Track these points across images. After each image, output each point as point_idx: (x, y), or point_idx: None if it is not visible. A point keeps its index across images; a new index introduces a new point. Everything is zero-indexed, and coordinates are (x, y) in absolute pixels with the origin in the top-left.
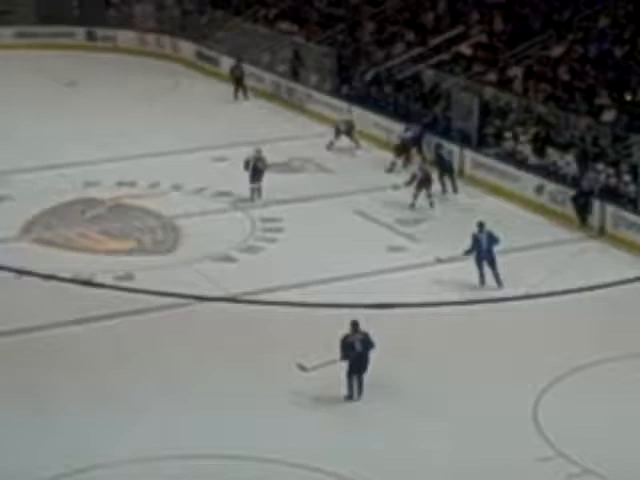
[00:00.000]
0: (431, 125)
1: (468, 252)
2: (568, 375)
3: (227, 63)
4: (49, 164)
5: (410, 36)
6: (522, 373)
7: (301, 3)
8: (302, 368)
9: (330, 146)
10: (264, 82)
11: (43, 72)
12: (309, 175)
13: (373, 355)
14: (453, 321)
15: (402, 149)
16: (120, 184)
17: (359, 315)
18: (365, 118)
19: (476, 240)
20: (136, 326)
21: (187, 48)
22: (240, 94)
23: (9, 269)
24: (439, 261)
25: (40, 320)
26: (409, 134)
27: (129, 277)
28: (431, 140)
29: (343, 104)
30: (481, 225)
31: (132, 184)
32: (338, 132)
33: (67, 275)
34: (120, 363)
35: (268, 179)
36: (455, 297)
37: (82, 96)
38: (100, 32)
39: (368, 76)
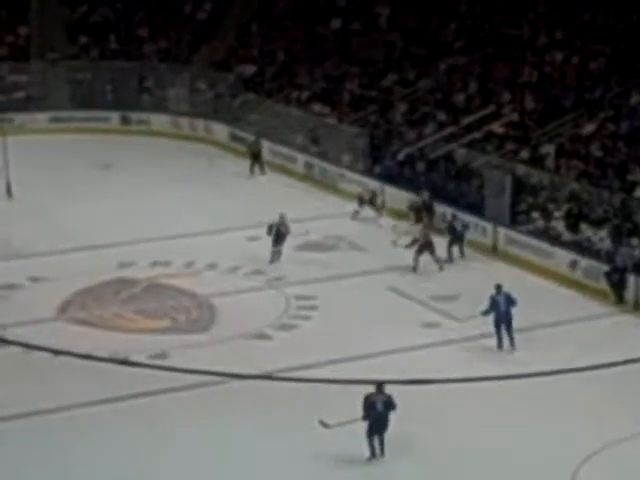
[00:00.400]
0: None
1: (485, 313)
2: (603, 449)
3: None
4: (84, 245)
5: (442, 116)
6: (556, 447)
7: (333, 85)
8: (324, 425)
9: (355, 215)
10: (296, 163)
11: (78, 156)
12: (342, 253)
13: (394, 417)
14: (486, 394)
15: (415, 212)
16: (155, 264)
17: (394, 391)
18: (398, 197)
19: (494, 302)
20: (171, 404)
21: (220, 130)
22: (256, 169)
23: (46, 349)
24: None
25: (76, 398)
26: (419, 200)
27: (164, 356)
28: (443, 210)
29: (375, 183)
30: (499, 287)
31: (167, 264)
32: (362, 201)
33: (103, 354)
34: (155, 441)
35: (302, 258)
36: (489, 371)
37: (117, 179)
38: (134, 116)
39: (400, 156)
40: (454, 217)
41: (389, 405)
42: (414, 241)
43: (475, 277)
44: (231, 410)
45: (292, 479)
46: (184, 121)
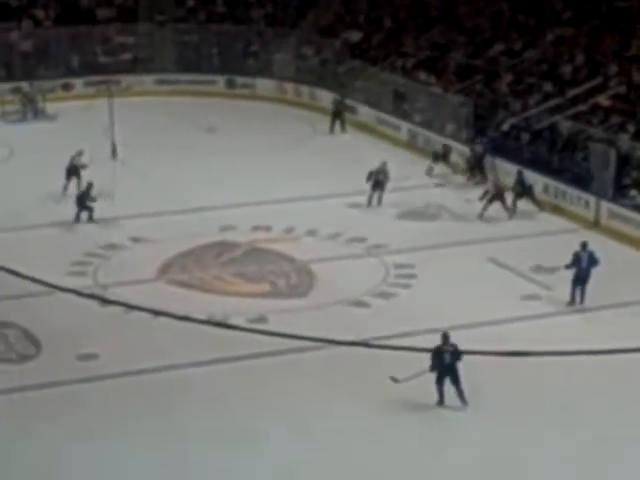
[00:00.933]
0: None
1: (568, 267)
2: None
3: (364, 111)
4: (187, 208)
5: (547, 87)
6: None
7: (439, 54)
8: (394, 380)
9: (429, 171)
10: (400, 131)
11: (183, 119)
12: (443, 222)
13: (461, 366)
14: (586, 369)
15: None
16: (256, 228)
17: (491, 362)
18: (501, 168)
19: (577, 257)
20: (267, 368)
21: (325, 97)
22: (337, 128)
23: (146, 310)
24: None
25: (174, 359)
26: (479, 148)
27: (262, 320)
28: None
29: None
30: (584, 244)
31: (267, 228)
32: (437, 157)
33: (201, 316)
34: (250, 404)
35: (403, 226)
36: (589, 346)
37: (221, 142)
38: (239, 80)
39: (504, 126)
40: (520, 173)
41: (456, 355)
42: (485, 192)
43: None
44: (327, 375)
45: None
46: (289, 86)
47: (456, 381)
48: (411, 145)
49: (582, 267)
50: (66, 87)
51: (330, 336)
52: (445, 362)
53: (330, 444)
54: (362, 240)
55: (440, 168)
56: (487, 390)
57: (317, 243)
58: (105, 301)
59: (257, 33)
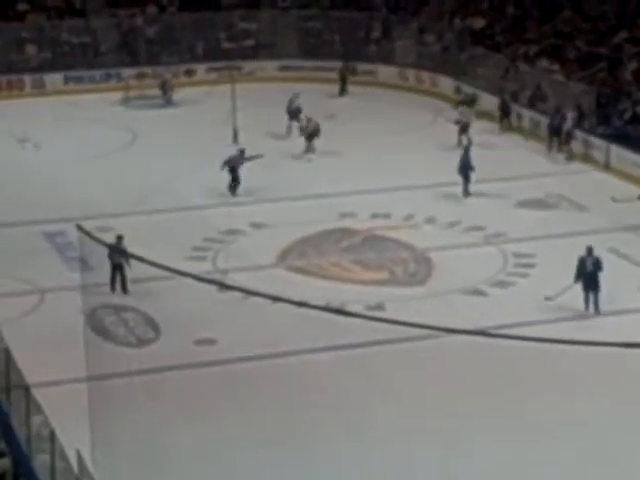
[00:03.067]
0: None
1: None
2: None
3: (485, 99)
4: (307, 194)
5: None
6: None
7: (562, 41)
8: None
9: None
10: (523, 119)
11: (305, 104)
12: (564, 211)
13: (602, 277)
14: None
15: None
16: (375, 216)
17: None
18: (624, 157)
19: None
20: (385, 356)
21: (446, 84)
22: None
23: (264, 295)
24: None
25: (291, 345)
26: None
27: (380, 307)
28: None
29: (601, 142)
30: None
31: (386, 216)
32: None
33: (319, 303)
34: (368, 391)
35: (523, 215)
36: None
37: (341, 129)
38: (361, 66)
39: (627, 115)
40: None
41: (597, 265)
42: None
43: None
44: (444, 364)
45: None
46: (410, 73)
47: (595, 289)
48: (532, 133)
49: (587, 272)
50: (189, 73)
51: (447, 325)
52: (587, 271)
53: (447, 432)
54: (481, 229)
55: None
56: (603, 380)
57: (436, 231)
58: (224, 286)
59: (379, 19)
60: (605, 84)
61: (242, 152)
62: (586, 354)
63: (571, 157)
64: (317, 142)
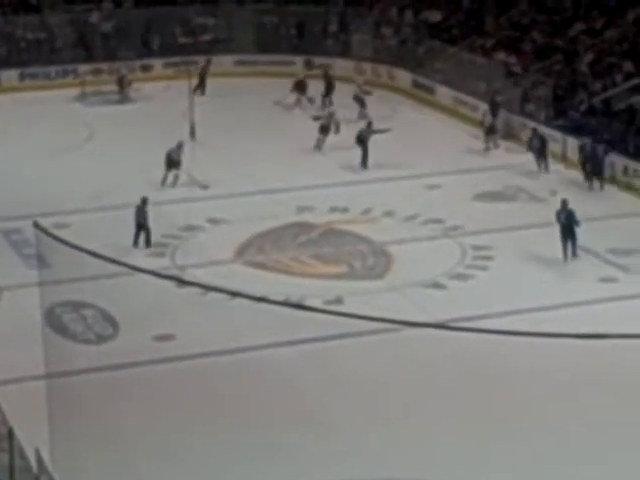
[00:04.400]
0: None
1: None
2: None
3: (442, 92)
4: (264, 189)
5: (628, 67)
6: None
7: (518, 33)
8: None
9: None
10: (478, 111)
11: (262, 99)
12: (521, 203)
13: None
14: None
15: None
16: (333, 210)
17: (568, 345)
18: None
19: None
20: (343, 350)
21: (403, 77)
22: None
23: (223, 291)
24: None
25: (250, 341)
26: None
27: (339, 301)
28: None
29: (557, 134)
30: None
31: (345, 210)
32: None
33: (278, 298)
34: (326, 385)
35: (480, 208)
36: None
37: (298, 123)
38: (318, 60)
39: (583, 107)
40: (535, 131)
41: (571, 217)
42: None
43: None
44: (402, 357)
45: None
46: (367, 67)
47: (572, 238)
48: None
49: (562, 222)
50: (145, 68)
51: (406, 318)
52: (561, 221)
53: (407, 425)
54: (439, 222)
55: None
56: (562, 371)
57: (394, 224)
58: (182, 282)
59: (336, 13)
60: (562, 76)
61: (369, 124)
62: (546, 345)
63: (495, 147)
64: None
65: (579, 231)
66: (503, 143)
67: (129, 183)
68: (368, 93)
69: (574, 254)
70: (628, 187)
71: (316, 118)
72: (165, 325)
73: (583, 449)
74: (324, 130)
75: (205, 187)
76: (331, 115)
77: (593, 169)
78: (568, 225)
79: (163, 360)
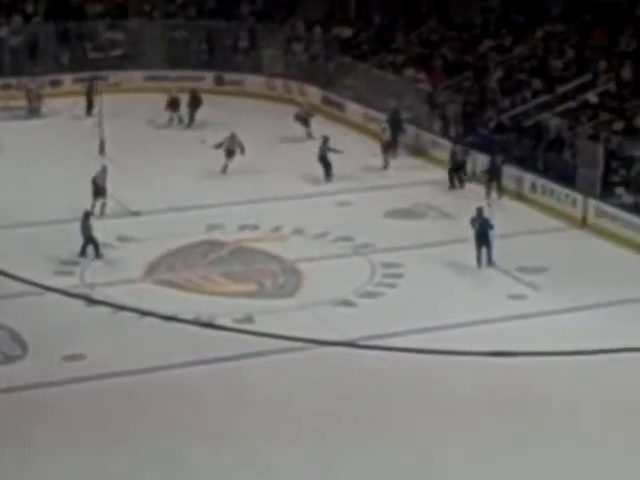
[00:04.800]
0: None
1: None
2: None
3: (353, 108)
4: (174, 206)
5: (537, 84)
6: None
7: (428, 50)
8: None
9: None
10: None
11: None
12: (432, 221)
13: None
14: (571, 369)
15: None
16: (243, 227)
17: (478, 362)
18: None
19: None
20: (255, 369)
21: (314, 93)
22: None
23: (133, 309)
24: None
25: (160, 360)
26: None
27: (249, 320)
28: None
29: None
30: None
31: (254, 227)
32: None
33: (189, 316)
34: (238, 405)
35: (390, 225)
36: (576, 345)
37: (209, 139)
38: (228, 76)
39: (492, 123)
40: (455, 146)
41: (486, 224)
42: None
43: (563, 249)
44: (313, 376)
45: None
46: (278, 82)
47: (487, 246)
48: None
49: (476, 229)
50: (54, 83)
51: (317, 336)
52: (476, 228)
53: (318, 444)
54: (349, 239)
55: None
56: (472, 389)
57: (304, 242)
58: (92, 301)
59: (246, 29)
60: (471, 93)
61: (326, 140)
62: (456, 363)
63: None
64: (186, 151)
65: (494, 237)
66: (412, 160)
67: (38, 200)
68: (311, 115)
69: (489, 261)
70: (537, 204)
71: (218, 146)
72: (75, 345)
73: (492, 466)
74: (230, 154)
75: (136, 214)
76: (233, 137)
77: (491, 179)
78: (483, 232)
79: (73, 380)
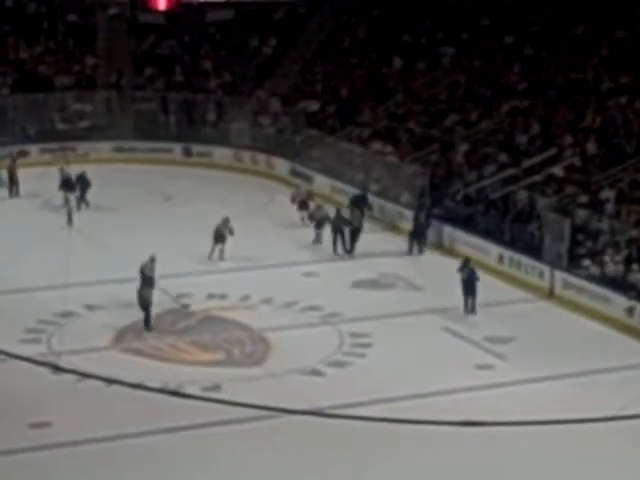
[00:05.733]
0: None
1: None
2: None
3: (320, 180)
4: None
5: (503, 157)
6: None
7: (395, 123)
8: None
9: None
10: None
11: (140, 186)
12: (399, 291)
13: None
14: (538, 439)
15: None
16: (211, 296)
17: (446, 431)
18: (455, 237)
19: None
20: (222, 437)
21: (281, 165)
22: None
23: (99, 378)
24: None
25: (127, 428)
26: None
27: (217, 388)
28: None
29: (433, 222)
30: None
31: (223, 296)
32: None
33: (156, 385)
34: (205, 472)
35: (358, 295)
36: (544, 416)
37: (177, 210)
38: (196, 148)
39: (459, 196)
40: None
41: (472, 274)
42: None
43: (530, 320)
44: (281, 444)
45: None
46: (246, 155)
47: (473, 295)
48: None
49: (463, 279)
50: (22, 154)
51: (284, 405)
52: (463, 278)
53: None
54: (318, 309)
55: None
56: (441, 459)
57: (272, 311)
58: (58, 369)
59: (214, 101)
60: (438, 166)
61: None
62: (425, 433)
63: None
64: (154, 222)
65: (479, 286)
66: (379, 230)
67: (3, 268)
68: (310, 199)
69: (473, 310)
70: (504, 275)
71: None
72: (41, 412)
73: None
74: (221, 238)
75: (186, 307)
76: (226, 222)
77: (415, 233)
78: (469, 281)
79: (39, 447)
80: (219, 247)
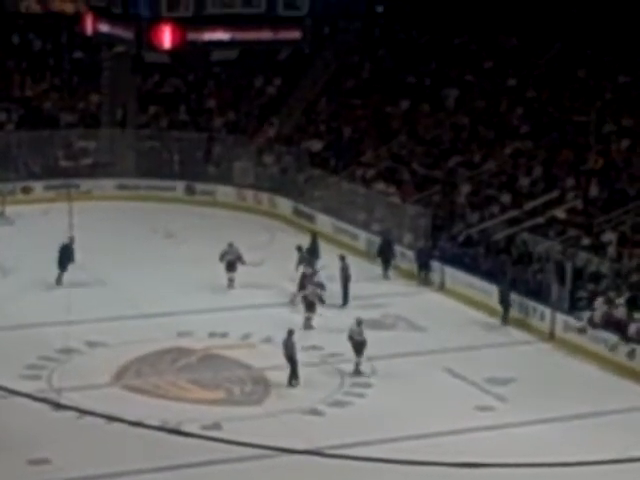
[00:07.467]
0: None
1: None
2: None
3: (323, 220)
4: (144, 313)
5: (505, 199)
6: None
7: (398, 164)
8: None
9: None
10: (358, 240)
11: (142, 224)
12: (400, 332)
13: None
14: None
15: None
16: (212, 335)
17: (446, 472)
18: (458, 278)
19: None
20: (221, 475)
21: (284, 205)
22: None
23: (99, 415)
24: None
25: (126, 466)
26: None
27: (216, 427)
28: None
29: (435, 263)
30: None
31: (224, 335)
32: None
33: (155, 422)
34: None
35: None
36: (544, 458)
37: (179, 248)
38: (199, 186)
39: (460, 237)
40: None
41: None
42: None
43: (530, 362)
44: None
45: None
46: (249, 194)
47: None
48: (369, 254)
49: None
50: (25, 190)
51: (284, 444)
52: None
53: None
54: (318, 348)
55: None
56: None
57: (273, 350)
58: (58, 405)
59: (218, 140)
60: (440, 207)
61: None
62: (425, 473)
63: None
64: (156, 260)
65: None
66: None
67: (5, 305)
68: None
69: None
70: (504, 318)
71: (221, 258)
72: (41, 449)
73: None
74: (231, 267)
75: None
76: (231, 247)
77: (386, 259)
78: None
79: None
80: (229, 276)
